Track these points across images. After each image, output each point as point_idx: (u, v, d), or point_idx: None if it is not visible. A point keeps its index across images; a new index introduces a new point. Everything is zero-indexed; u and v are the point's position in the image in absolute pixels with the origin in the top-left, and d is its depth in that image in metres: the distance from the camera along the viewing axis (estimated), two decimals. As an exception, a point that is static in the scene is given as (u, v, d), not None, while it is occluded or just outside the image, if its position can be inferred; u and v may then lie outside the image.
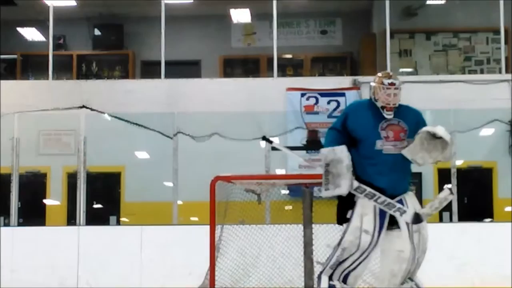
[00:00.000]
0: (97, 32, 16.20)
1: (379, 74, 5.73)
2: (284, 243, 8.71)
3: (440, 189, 13.43)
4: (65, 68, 15.72)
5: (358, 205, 5.54)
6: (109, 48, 16.14)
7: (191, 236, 10.49)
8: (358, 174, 5.58)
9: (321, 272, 5.66)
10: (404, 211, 5.48)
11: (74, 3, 15.08)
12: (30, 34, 15.86)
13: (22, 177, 12.06)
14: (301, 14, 16.10)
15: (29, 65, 16.23)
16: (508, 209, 13.05)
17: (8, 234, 10.85)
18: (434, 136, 5.51)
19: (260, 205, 7.96)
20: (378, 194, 5.49)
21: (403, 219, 5.47)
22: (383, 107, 5.61)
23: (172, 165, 12.08)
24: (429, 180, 13.46)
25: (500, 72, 13.94)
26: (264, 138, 6.76)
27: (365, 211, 5.51)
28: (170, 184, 12.21)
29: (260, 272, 8.64)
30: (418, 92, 13.29)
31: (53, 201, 14.02)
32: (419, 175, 13.48)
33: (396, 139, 5.57)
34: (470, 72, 14.95)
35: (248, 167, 10.18)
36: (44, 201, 14.10)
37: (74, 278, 10.67)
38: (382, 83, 5.61)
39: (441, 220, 12.92)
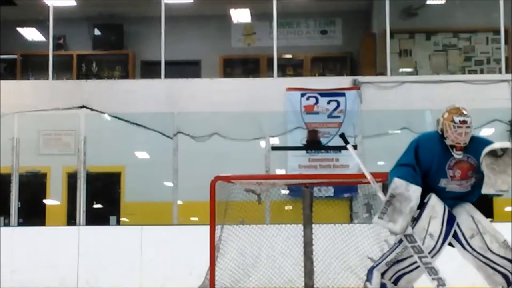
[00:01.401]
0: (97, 32, 16.19)
1: (449, 109, 5.34)
2: (284, 243, 8.71)
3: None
4: (65, 68, 15.71)
5: (428, 206, 5.23)
6: (109, 48, 16.12)
7: (191, 236, 10.48)
8: None
9: (372, 267, 5.37)
10: (443, 284, 5.26)
11: (74, 3, 15.08)
12: (30, 34, 15.85)
13: (22, 177, 12.05)
14: (301, 14, 16.08)
15: (29, 65, 16.21)
16: (508, 209, 13.03)
17: (8, 234, 10.84)
18: (496, 155, 5.15)
19: (260, 205, 7.97)
20: (425, 253, 5.22)
21: (503, 270, 5.26)
22: (452, 146, 5.26)
23: (172, 165, 12.08)
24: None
25: (500, 72, 13.94)
26: (342, 136, 6.31)
27: (434, 214, 5.22)
28: (170, 184, 12.21)
29: (260, 272, 8.64)
30: (418, 92, 13.32)
31: (53, 201, 14.02)
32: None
33: (463, 178, 5.26)
34: (470, 72, 14.94)
35: (248, 167, 10.19)
36: (44, 201, 14.09)
37: (74, 278, 10.66)
38: (453, 121, 5.24)
39: (441, 220, 12.91)
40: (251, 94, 13.36)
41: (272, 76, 13.93)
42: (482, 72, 14.95)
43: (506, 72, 13.65)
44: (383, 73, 14.00)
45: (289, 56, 15.89)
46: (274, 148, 12.25)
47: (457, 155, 5.23)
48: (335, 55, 16.29)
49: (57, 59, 14.51)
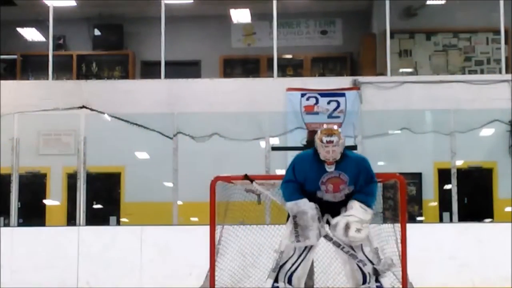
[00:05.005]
0: (97, 32, 16.19)
1: (321, 129, 6.00)
2: (284, 243, 8.68)
3: (440, 189, 13.50)
4: (65, 68, 15.71)
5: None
6: (109, 48, 16.12)
7: (191, 236, 10.48)
8: None
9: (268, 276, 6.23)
10: (365, 264, 5.93)
11: (74, 3, 15.08)
12: (30, 34, 15.85)
13: (22, 177, 12.05)
14: (301, 14, 16.08)
15: (29, 65, 16.21)
16: (508, 209, 13.04)
17: (8, 234, 10.84)
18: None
19: (260, 205, 7.96)
20: (343, 244, 5.95)
21: (365, 269, 5.98)
22: (324, 161, 5.96)
23: (172, 165, 12.07)
24: (429, 180, 13.46)
25: (500, 72, 13.94)
26: (245, 176, 7.29)
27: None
28: (170, 184, 12.20)
29: (260, 272, 8.61)
30: (418, 92, 13.32)
31: (53, 201, 14.01)
32: (419, 175, 13.48)
33: (335, 192, 6.02)
34: (470, 72, 14.94)
35: (248, 167, 10.18)
36: (44, 201, 14.08)
37: (74, 278, 10.66)
38: (321, 141, 5.90)
39: (441, 220, 12.92)
40: (251, 94, 13.36)
41: (272, 76, 13.93)
42: (482, 72, 14.95)
43: (506, 72, 13.66)
44: (383, 73, 14.00)
45: (289, 56, 15.89)
46: (274, 148, 12.24)
47: (329, 168, 5.96)
48: (335, 55, 16.29)
49: (57, 59, 14.50)
